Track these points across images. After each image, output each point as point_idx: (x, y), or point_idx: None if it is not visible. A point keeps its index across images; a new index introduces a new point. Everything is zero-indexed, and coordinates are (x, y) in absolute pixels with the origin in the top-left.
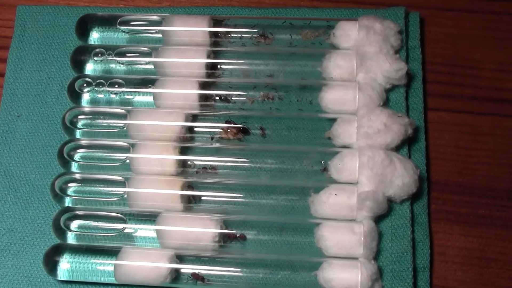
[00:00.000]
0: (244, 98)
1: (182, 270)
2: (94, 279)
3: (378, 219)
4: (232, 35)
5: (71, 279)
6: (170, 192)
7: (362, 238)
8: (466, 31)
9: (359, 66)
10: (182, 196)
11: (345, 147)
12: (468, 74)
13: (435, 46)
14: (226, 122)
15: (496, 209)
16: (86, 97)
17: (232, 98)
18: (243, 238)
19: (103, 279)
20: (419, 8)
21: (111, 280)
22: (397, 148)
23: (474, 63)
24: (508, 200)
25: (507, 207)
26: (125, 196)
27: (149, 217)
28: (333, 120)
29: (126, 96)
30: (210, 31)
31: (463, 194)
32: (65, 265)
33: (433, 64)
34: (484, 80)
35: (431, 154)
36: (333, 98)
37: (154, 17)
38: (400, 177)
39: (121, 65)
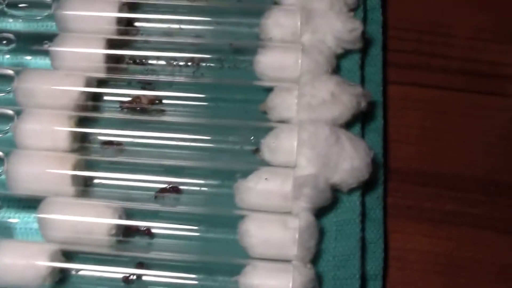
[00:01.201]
0: (164, 62)
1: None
2: None
3: (320, 213)
4: None
5: None
6: (58, 172)
7: (297, 235)
8: None
9: (304, 24)
10: (75, 177)
11: (283, 122)
12: (438, 42)
13: (399, 7)
14: (142, 89)
15: (467, 204)
16: None
17: (149, 61)
18: (149, 233)
19: None
20: None
21: None
22: (347, 126)
23: (445, 29)
24: (482, 193)
25: (480, 202)
26: (3, 175)
27: (33, 203)
28: (270, 90)
29: (20, 56)
30: None
31: (428, 185)
32: None
33: (397, 29)
34: (457, 49)
35: (390, 135)
36: (270, 63)
37: None
38: (349, 160)
39: (14, 19)
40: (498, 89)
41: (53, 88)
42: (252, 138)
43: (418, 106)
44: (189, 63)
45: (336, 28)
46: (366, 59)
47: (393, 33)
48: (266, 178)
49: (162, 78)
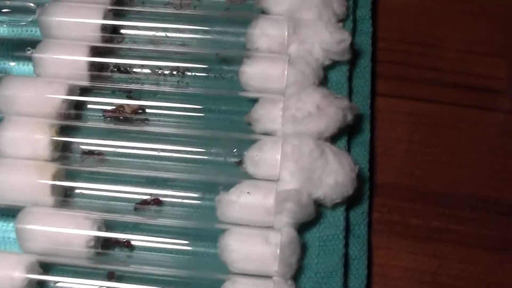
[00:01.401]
0: (149, 70)
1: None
2: None
3: (302, 228)
4: None
5: None
6: (38, 181)
7: (278, 251)
8: (429, 2)
9: (291, 35)
10: (54, 187)
11: (267, 134)
12: (429, 54)
13: (390, 18)
14: (127, 98)
15: (454, 221)
16: None
17: (133, 70)
18: (128, 246)
19: None
20: None
21: None
22: (333, 139)
23: (437, 41)
24: (470, 210)
25: (468, 219)
26: None
27: (12, 211)
28: (256, 101)
29: (3, 62)
30: None
31: (415, 200)
32: None
33: (387, 41)
34: (449, 62)
35: (377, 149)
36: (256, 73)
37: None
38: (333, 174)
39: None
40: (489, 103)
41: (35, 95)
42: (235, 150)
43: (407, 119)
44: (174, 72)
45: (324, 39)
46: (354, 71)
47: (382, 45)
48: (248, 192)
49: (147, 87)
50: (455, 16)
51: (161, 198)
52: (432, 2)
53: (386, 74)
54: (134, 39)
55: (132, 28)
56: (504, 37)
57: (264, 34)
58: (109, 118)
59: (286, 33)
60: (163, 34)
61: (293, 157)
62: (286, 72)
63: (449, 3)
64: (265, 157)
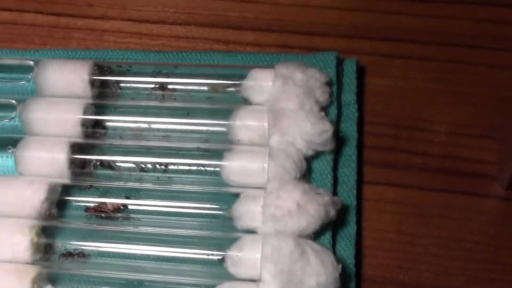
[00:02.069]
0: (133, 165)
1: None
2: None
3: None
4: (122, 84)
5: None
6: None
7: None
8: (417, 84)
9: (272, 126)
10: None
11: (249, 230)
12: (417, 138)
13: (377, 101)
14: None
15: None
16: None
17: (116, 164)
18: None
19: None
20: (359, 54)
21: None
22: (317, 234)
23: (425, 124)
24: None
25: None
26: None
27: None
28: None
29: None
30: (93, 80)
31: None
32: None
33: (374, 125)
34: (437, 146)
35: (364, 241)
36: (236, 168)
37: (29, 62)
38: (314, 275)
39: None
40: (480, 190)
41: (14, 196)
42: (213, 252)
43: (394, 208)
44: (157, 165)
45: (305, 130)
46: (340, 159)
47: (369, 129)
48: None
49: (130, 184)
50: (443, 97)
51: None
52: (418, 83)
53: (373, 161)
54: (117, 132)
55: (114, 122)
56: (493, 118)
57: (245, 126)
58: (92, 215)
59: (267, 125)
60: (145, 126)
61: (273, 258)
62: (266, 165)
63: (436, 84)
64: (246, 257)
